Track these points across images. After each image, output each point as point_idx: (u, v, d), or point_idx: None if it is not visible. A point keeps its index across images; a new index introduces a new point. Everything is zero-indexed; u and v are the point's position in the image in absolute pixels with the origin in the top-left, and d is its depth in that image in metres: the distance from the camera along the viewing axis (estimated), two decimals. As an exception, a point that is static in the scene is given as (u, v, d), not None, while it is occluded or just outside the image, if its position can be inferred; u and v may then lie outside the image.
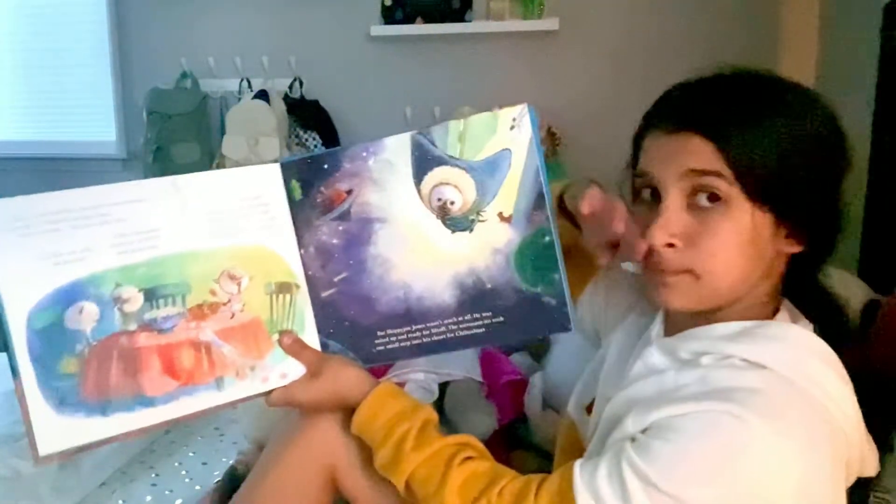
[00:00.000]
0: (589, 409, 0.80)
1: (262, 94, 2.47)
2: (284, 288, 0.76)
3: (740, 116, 0.61)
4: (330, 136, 2.56)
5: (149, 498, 1.35)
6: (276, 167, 0.77)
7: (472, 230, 0.74)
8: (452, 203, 0.75)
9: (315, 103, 2.58)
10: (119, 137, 2.76)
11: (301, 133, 2.54)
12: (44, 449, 0.65)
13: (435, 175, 0.75)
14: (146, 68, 2.69)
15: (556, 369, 1.56)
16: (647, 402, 0.62)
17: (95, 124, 2.79)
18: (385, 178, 0.75)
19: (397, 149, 0.75)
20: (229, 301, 0.74)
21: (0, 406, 1.56)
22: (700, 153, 0.61)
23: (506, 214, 0.73)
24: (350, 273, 0.77)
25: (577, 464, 0.62)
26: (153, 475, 1.43)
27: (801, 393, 0.58)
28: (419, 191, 0.75)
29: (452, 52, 2.54)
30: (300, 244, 0.77)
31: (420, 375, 1.49)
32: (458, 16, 2.44)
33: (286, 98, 2.54)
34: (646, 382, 0.66)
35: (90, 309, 0.68)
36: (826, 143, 0.63)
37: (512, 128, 0.73)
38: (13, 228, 0.66)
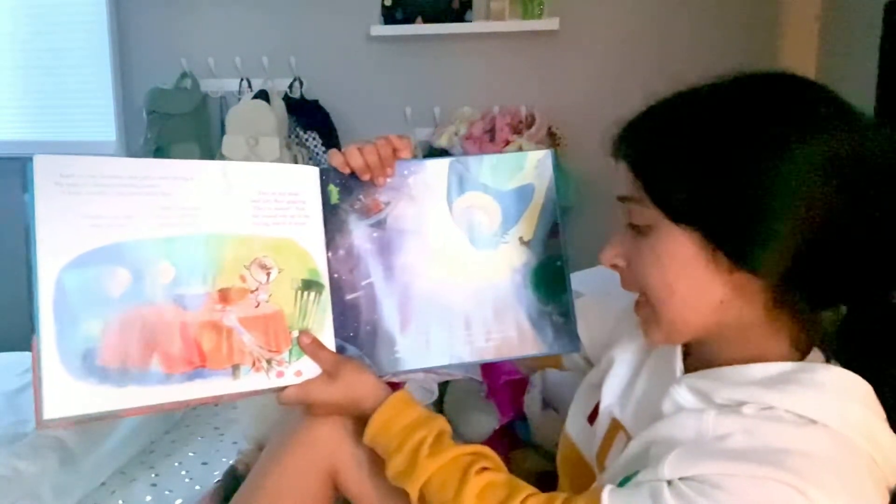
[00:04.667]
0: (591, 419, 0.78)
1: (262, 94, 2.47)
2: (309, 286, 0.77)
3: (653, 139, 0.61)
4: (330, 136, 2.56)
5: (149, 498, 1.34)
6: (316, 170, 0.80)
7: (495, 250, 0.83)
8: (480, 224, 0.83)
9: (315, 103, 2.58)
10: (119, 137, 2.76)
11: (301, 133, 2.54)
12: (49, 412, 0.63)
13: (467, 198, 0.83)
14: (146, 68, 2.70)
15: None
16: (689, 447, 0.58)
17: (95, 124, 2.79)
18: (421, 196, 0.82)
19: (436, 171, 0.83)
20: (257, 289, 0.74)
21: (0, 406, 1.56)
22: (624, 179, 0.64)
23: (525, 239, 0.83)
24: (377, 279, 0.81)
25: (606, 492, 0.61)
26: (153, 475, 1.43)
27: (855, 452, 0.55)
28: (451, 210, 0.83)
29: (452, 52, 2.54)
30: (329, 247, 0.79)
31: (420, 375, 1.49)
32: (458, 16, 2.45)
33: (286, 98, 2.55)
34: (682, 420, 0.62)
35: (122, 275, 0.68)
36: (758, 162, 0.56)
37: (536, 167, 0.84)
38: (61, 184, 0.66)
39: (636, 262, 0.64)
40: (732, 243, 0.58)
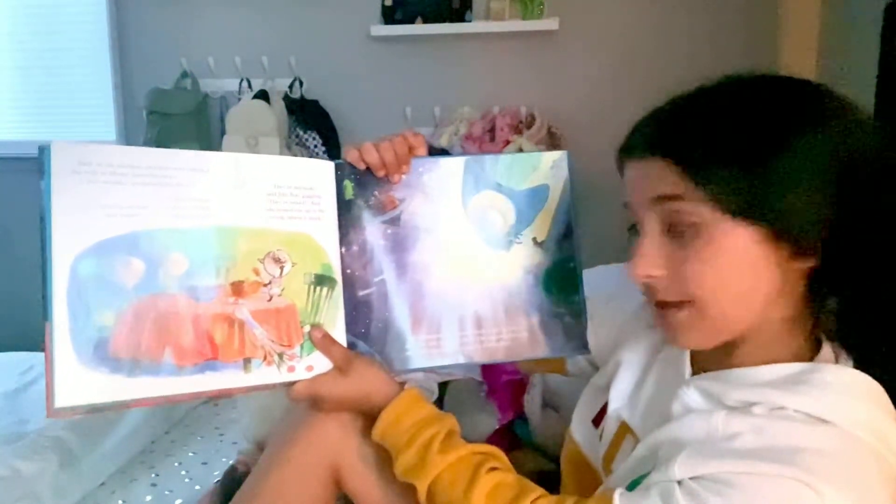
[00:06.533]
0: (595, 421, 0.78)
1: (262, 94, 2.47)
2: (322, 281, 0.77)
3: (703, 134, 0.59)
4: (330, 136, 2.56)
5: (149, 498, 1.34)
6: (331, 165, 0.79)
7: (508, 250, 0.83)
8: (494, 224, 0.83)
9: (315, 103, 2.58)
10: (119, 137, 2.76)
11: (301, 133, 2.54)
12: (61, 401, 0.63)
13: (482, 197, 0.83)
14: (146, 68, 2.70)
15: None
16: (699, 447, 0.58)
17: (95, 124, 2.79)
18: (436, 194, 0.82)
19: (451, 169, 0.83)
20: (270, 283, 0.74)
21: (0, 406, 1.56)
22: (665, 177, 0.60)
23: (539, 240, 0.83)
24: (390, 276, 0.81)
25: (617, 495, 0.60)
26: (153, 475, 1.43)
27: (864, 450, 0.55)
28: (465, 209, 0.83)
29: (452, 52, 2.54)
30: (342, 242, 0.79)
31: (420, 374, 1.49)
32: (458, 16, 2.45)
33: (286, 98, 2.54)
34: (691, 422, 0.61)
35: (137, 265, 0.68)
36: (810, 144, 0.57)
37: (552, 167, 0.84)
38: (78, 172, 0.65)
39: (683, 267, 0.60)
40: (798, 233, 0.57)
